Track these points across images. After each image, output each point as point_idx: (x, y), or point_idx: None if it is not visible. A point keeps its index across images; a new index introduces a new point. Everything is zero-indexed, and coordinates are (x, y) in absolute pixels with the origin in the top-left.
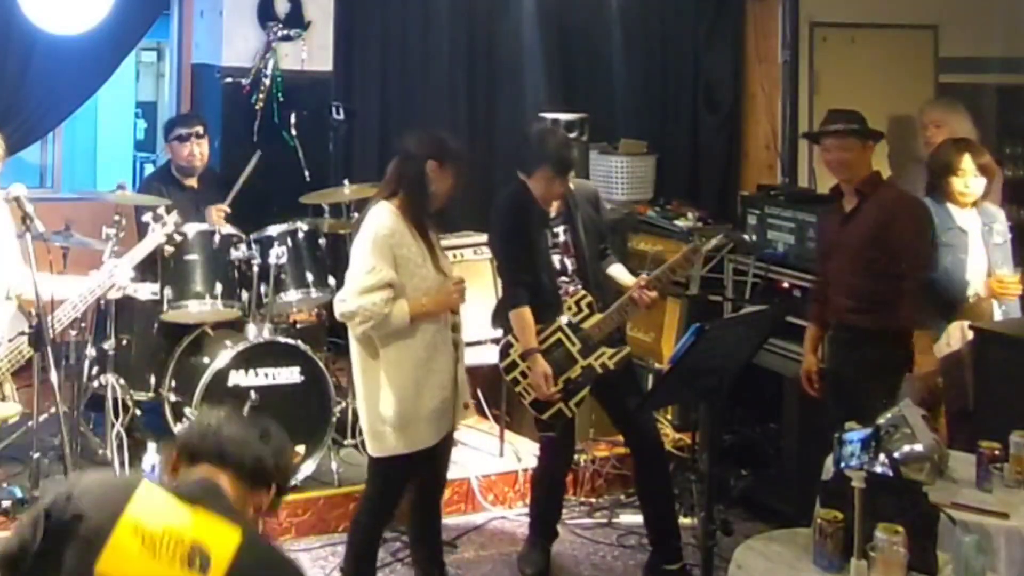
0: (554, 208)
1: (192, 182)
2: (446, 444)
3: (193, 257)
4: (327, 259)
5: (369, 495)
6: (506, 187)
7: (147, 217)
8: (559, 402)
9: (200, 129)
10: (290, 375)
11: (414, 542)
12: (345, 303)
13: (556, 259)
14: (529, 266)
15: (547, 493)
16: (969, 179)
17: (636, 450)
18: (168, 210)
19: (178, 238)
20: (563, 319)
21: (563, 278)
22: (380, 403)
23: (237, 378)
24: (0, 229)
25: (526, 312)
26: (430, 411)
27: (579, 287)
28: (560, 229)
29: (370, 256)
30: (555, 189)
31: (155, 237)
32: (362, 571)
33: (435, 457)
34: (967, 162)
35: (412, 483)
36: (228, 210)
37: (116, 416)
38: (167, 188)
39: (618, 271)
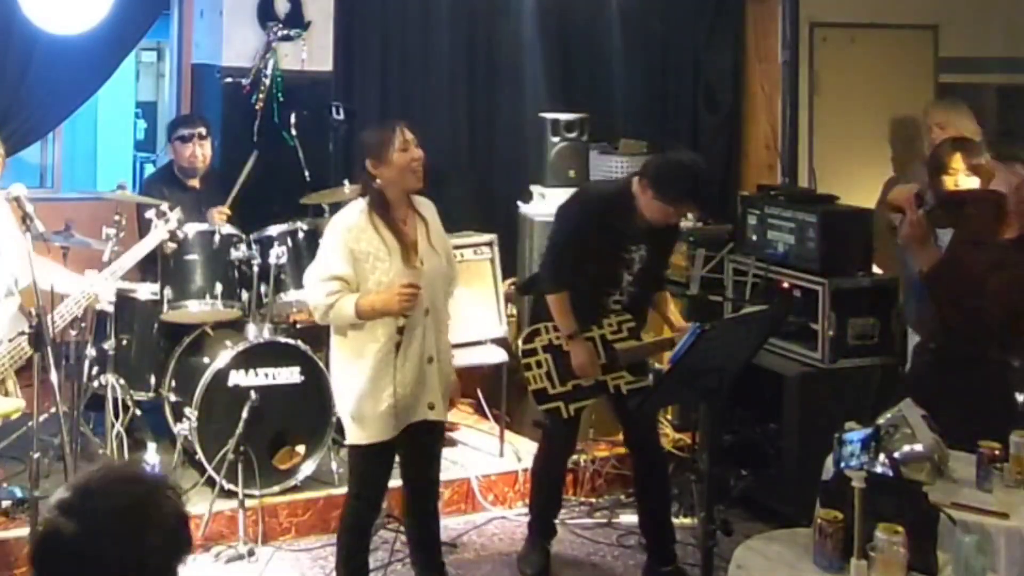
0: (644, 227)
1: (194, 183)
2: (430, 441)
3: (193, 257)
4: None
5: (348, 488)
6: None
7: (150, 214)
8: (560, 400)
9: (203, 130)
10: (290, 375)
11: (412, 544)
12: (301, 292)
13: (623, 273)
14: (585, 268)
15: (547, 486)
16: (959, 178)
17: (636, 452)
18: (171, 207)
19: (181, 235)
20: (599, 330)
21: (614, 292)
22: (343, 393)
23: (237, 378)
24: (2, 227)
25: (566, 297)
26: (383, 407)
27: (624, 308)
28: (636, 246)
29: (324, 249)
30: (673, 219)
31: (158, 234)
32: (352, 568)
33: (418, 457)
34: (957, 161)
35: (404, 485)
36: (228, 212)
37: (116, 416)
38: (169, 189)
39: (664, 300)
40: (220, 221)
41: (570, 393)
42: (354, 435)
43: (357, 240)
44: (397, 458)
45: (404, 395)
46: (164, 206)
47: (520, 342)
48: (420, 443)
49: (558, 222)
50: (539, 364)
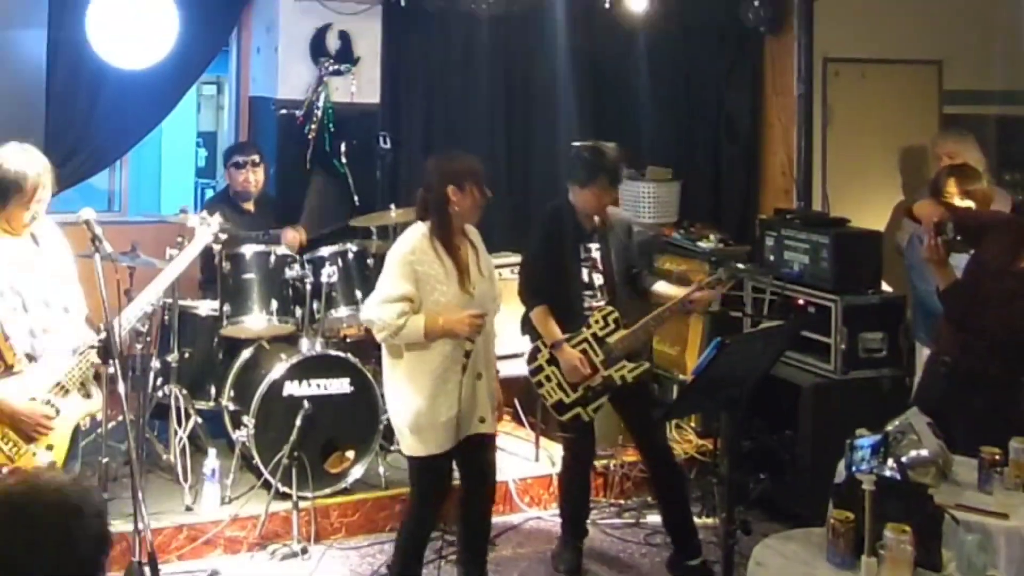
0: (590, 226)
1: (249, 206)
2: (484, 452)
3: (250, 276)
4: (375, 277)
5: (409, 496)
6: (549, 202)
7: (193, 221)
8: (578, 407)
9: (256, 158)
10: (340, 386)
11: (461, 543)
12: (366, 311)
13: (584, 273)
14: (554, 275)
15: (574, 491)
16: (954, 201)
17: (651, 461)
18: (211, 212)
19: (223, 236)
20: (589, 330)
21: (588, 292)
22: (399, 407)
23: (291, 388)
24: (59, 252)
25: (546, 309)
26: (443, 420)
27: (604, 302)
28: (593, 246)
29: (391, 271)
30: (604, 200)
31: (203, 237)
32: (407, 570)
33: (474, 466)
34: (952, 186)
35: (461, 489)
36: (303, 239)
37: (179, 424)
38: (226, 211)
39: (663, 286)
40: (292, 241)
41: (584, 397)
42: (414, 447)
43: (420, 262)
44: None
45: (457, 410)
46: (204, 212)
47: (526, 364)
48: (475, 454)
49: (526, 247)
50: (548, 379)
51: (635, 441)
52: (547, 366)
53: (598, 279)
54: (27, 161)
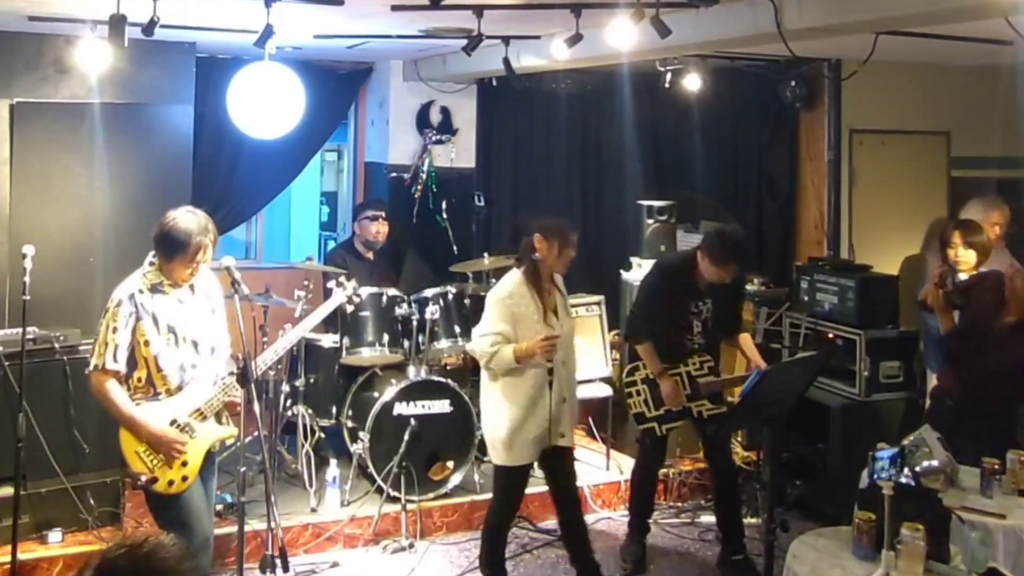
0: (704, 286)
1: (370, 255)
2: (564, 463)
3: (366, 313)
4: (471, 315)
5: (493, 498)
6: (674, 252)
7: (331, 284)
8: (655, 422)
9: (383, 213)
10: (442, 406)
11: (564, 540)
12: (471, 343)
13: (693, 320)
14: (660, 317)
15: (642, 492)
16: (958, 250)
17: (713, 465)
18: (348, 278)
19: (356, 299)
20: (685, 368)
21: (689, 336)
22: (494, 424)
23: (400, 408)
24: (212, 297)
25: (651, 345)
26: (531, 437)
27: (704, 349)
28: (701, 301)
29: (489, 309)
30: (714, 276)
31: (337, 298)
32: (493, 559)
33: (558, 475)
34: (956, 237)
35: (552, 496)
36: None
37: (305, 438)
38: (349, 257)
39: (746, 342)
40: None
41: (662, 416)
42: (503, 458)
43: (517, 304)
44: (542, 474)
45: (546, 427)
46: (342, 277)
47: (623, 375)
48: (557, 464)
49: (640, 288)
50: (638, 393)
51: (705, 452)
52: (640, 383)
53: (699, 328)
54: (194, 223)
